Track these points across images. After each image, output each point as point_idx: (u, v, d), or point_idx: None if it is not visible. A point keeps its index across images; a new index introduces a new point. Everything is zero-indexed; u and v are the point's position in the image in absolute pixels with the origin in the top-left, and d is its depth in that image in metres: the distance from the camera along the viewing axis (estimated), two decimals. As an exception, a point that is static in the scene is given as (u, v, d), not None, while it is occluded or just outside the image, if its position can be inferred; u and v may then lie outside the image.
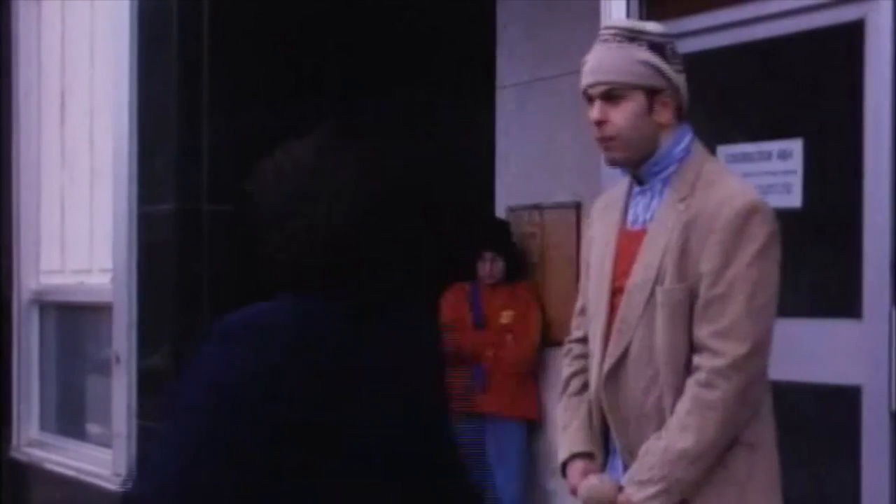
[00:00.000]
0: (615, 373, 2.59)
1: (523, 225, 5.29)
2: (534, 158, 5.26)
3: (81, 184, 6.83)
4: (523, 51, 5.18)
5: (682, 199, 2.52)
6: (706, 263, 2.45)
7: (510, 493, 5.27)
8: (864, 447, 3.40)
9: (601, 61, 2.55)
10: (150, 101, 5.86)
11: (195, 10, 5.63)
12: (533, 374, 5.26)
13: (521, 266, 5.35)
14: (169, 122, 5.74)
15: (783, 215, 3.75)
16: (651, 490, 2.45)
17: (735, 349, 2.43)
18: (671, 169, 2.57)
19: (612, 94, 2.54)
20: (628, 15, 4.03)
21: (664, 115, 2.55)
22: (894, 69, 3.37)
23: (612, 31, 2.55)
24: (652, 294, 2.51)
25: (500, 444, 5.31)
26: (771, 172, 3.73)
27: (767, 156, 3.75)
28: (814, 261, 3.81)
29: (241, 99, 5.84)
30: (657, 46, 2.54)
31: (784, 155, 3.71)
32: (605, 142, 2.57)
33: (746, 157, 3.80)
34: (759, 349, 2.46)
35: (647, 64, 2.52)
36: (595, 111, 2.55)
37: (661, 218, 2.54)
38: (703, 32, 3.92)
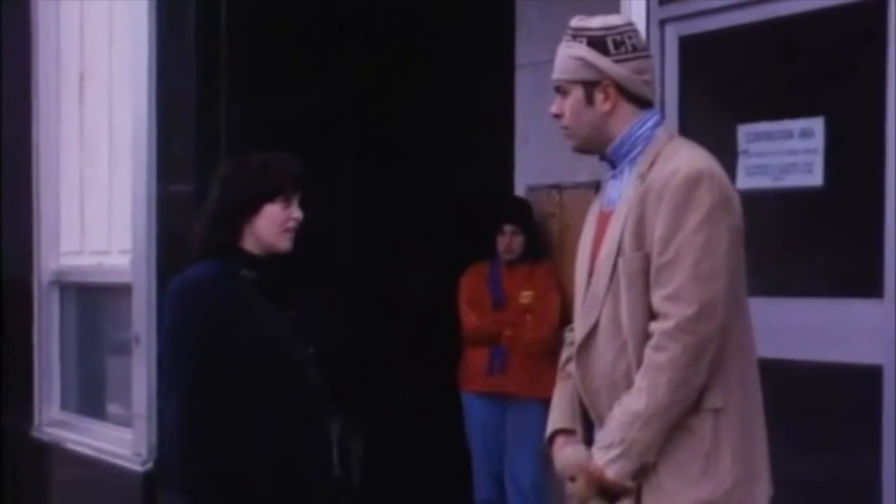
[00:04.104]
0: (586, 346, 2.69)
1: (543, 204, 5.27)
2: (553, 138, 5.19)
3: (100, 166, 6.85)
4: (542, 31, 5.15)
5: (640, 175, 2.64)
6: (657, 231, 2.56)
7: (529, 472, 5.28)
8: (884, 426, 3.40)
9: (555, 60, 2.77)
10: (168, 84, 5.87)
11: (213, -6, 5.63)
12: (552, 353, 5.24)
13: (540, 245, 5.34)
14: (187, 104, 5.75)
15: (804, 194, 3.76)
16: (613, 453, 2.55)
17: (682, 311, 2.51)
18: (637, 150, 2.70)
19: (561, 90, 2.74)
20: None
21: (606, 104, 2.70)
22: (916, 46, 3.35)
23: (567, 31, 2.75)
24: (615, 266, 2.62)
25: (520, 424, 5.31)
26: (792, 151, 3.71)
27: (789, 134, 3.73)
28: (835, 240, 3.78)
29: (258, 82, 5.84)
30: (595, 41, 2.70)
31: (805, 133, 3.69)
32: (564, 131, 2.77)
33: (768, 136, 3.79)
34: (707, 311, 2.52)
35: (579, 59, 2.70)
36: (553, 105, 2.77)
37: (624, 196, 2.67)
38: (725, 10, 3.89)
